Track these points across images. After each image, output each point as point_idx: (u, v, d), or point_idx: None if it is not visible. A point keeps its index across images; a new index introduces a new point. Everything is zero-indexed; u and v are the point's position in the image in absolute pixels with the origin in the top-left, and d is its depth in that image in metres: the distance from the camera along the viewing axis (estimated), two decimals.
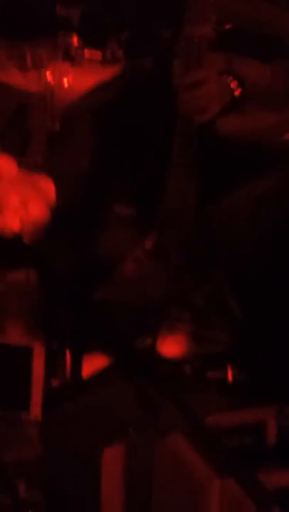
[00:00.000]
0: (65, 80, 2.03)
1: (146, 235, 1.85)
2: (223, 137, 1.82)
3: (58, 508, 1.90)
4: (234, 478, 1.48)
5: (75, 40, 2.05)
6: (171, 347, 1.71)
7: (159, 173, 1.81)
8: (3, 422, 2.10)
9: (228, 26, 1.73)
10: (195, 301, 1.78)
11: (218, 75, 1.66)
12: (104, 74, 1.99)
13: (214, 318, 1.77)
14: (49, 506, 2.02)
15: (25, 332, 2.18)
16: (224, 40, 1.70)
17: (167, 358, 1.69)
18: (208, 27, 1.64)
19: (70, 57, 2.02)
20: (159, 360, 1.60)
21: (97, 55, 2.05)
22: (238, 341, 1.71)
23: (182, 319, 1.75)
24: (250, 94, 1.74)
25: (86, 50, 2.04)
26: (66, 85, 2.05)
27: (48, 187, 1.84)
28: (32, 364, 2.09)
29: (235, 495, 1.52)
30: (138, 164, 1.89)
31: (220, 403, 1.69)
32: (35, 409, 2.07)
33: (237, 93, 1.70)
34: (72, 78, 2.04)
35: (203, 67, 1.62)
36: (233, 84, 1.69)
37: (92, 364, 2.09)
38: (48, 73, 2.05)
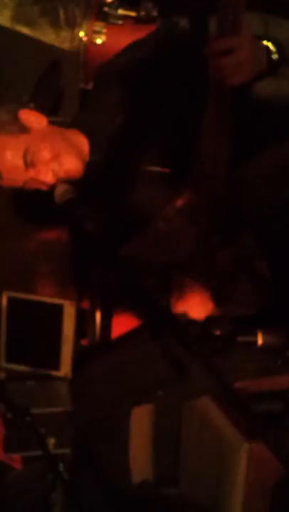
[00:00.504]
0: (99, 39, 2.01)
1: (177, 193, 1.84)
2: (258, 100, 1.80)
3: (87, 462, 1.94)
4: (262, 441, 1.50)
5: None
6: (195, 307, 1.72)
7: (193, 132, 1.80)
8: (34, 379, 2.13)
9: None
10: (223, 263, 1.78)
11: (254, 40, 1.62)
12: (138, 33, 1.97)
13: (242, 280, 1.77)
14: (78, 460, 2.07)
15: (56, 291, 2.20)
16: (261, 2, 1.66)
17: (194, 319, 1.70)
18: None
19: (104, 16, 1.99)
20: (187, 321, 1.60)
21: (132, 13, 2.02)
22: (267, 304, 1.71)
23: (210, 280, 1.75)
24: (287, 58, 1.71)
25: (120, 9, 2.01)
26: (99, 44, 2.02)
27: (81, 142, 1.83)
28: (62, 322, 2.12)
29: (262, 457, 1.55)
30: (171, 123, 1.87)
31: (249, 367, 1.70)
32: (65, 367, 2.10)
33: (274, 57, 1.67)
34: (105, 37, 2.01)
35: (237, 33, 1.57)
36: (270, 48, 1.66)
37: (122, 324, 2.11)
38: (81, 31, 2.02)
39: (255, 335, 1.30)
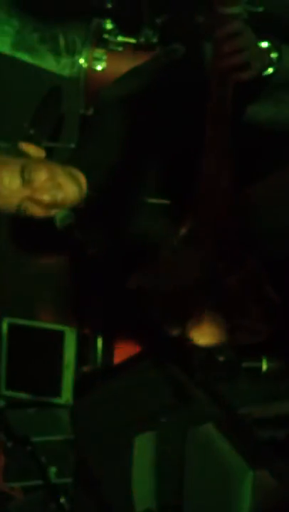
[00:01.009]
0: (99, 65, 2.02)
1: (180, 222, 1.84)
2: (257, 124, 1.80)
3: (89, 491, 1.92)
4: (267, 469, 1.48)
5: (108, 25, 2.03)
6: (205, 335, 1.71)
7: (193, 160, 1.80)
8: (35, 406, 2.12)
9: (259, 9, 1.71)
10: (231, 288, 1.77)
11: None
12: (138, 59, 1.98)
13: (250, 306, 1.76)
14: (80, 488, 2.04)
15: (58, 317, 2.19)
16: (255, 23, 1.67)
17: (201, 346, 1.69)
18: (240, 8, 1.61)
19: (104, 42, 2.00)
20: (192, 348, 1.59)
21: (132, 40, 2.03)
22: (275, 330, 1.70)
23: (217, 307, 1.74)
24: (284, 81, 1.71)
25: (120, 36, 2.02)
26: (99, 70, 2.03)
27: (79, 177, 1.83)
28: (63, 348, 2.11)
29: (268, 485, 1.53)
30: (171, 150, 1.87)
31: (253, 393, 1.69)
32: (66, 394, 2.09)
33: (274, 56, 1.67)
34: (105, 63, 2.02)
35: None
36: (269, 47, 1.66)
37: (124, 350, 2.10)
38: (81, 58, 2.03)
39: (260, 361, 1.28)
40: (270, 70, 1.69)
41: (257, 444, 1.61)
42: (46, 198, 1.70)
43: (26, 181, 1.70)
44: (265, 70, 1.69)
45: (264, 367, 1.28)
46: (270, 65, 1.69)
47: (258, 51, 1.65)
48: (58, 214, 1.65)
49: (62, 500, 1.98)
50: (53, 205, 1.70)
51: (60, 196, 1.71)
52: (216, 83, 1.68)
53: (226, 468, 1.56)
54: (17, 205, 1.73)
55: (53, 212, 1.69)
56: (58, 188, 1.71)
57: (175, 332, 1.78)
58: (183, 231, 1.84)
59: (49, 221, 1.75)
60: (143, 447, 1.78)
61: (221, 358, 1.25)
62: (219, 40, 1.57)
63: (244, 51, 1.58)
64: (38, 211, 1.72)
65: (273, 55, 1.68)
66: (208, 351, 1.26)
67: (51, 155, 1.90)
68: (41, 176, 1.71)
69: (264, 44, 1.69)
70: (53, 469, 2.04)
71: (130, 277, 1.78)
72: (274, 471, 1.15)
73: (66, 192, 1.73)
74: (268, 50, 1.68)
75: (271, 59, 1.68)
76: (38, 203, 1.71)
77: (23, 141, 1.81)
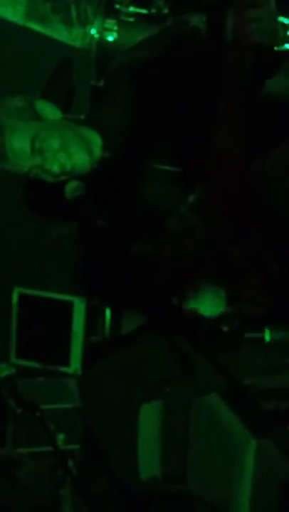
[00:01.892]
0: (110, 36, 2.01)
1: (190, 190, 1.84)
2: (271, 96, 1.79)
3: (96, 458, 1.94)
4: (270, 438, 1.50)
5: None
6: (208, 305, 1.72)
7: (206, 128, 1.79)
8: (44, 375, 2.14)
9: None
10: (235, 260, 1.77)
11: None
12: (149, 30, 1.96)
13: (253, 278, 1.76)
14: (87, 456, 2.07)
15: (67, 287, 2.20)
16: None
17: (205, 316, 1.70)
18: None
19: (115, 13, 1.99)
20: (196, 317, 1.60)
21: (143, 11, 2.01)
22: (278, 302, 1.71)
23: (222, 278, 1.75)
24: None
25: (131, 6, 2.01)
26: (110, 41, 2.02)
27: (93, 138, 1.83)
28: (72, 319, 2.13)
29: (270, 455, 1.55)
30: (184, 120, 1.87)
31: (257, 365, 1.70)
32: (75, 364, 2.11)
33: None
34: (116, 34, 2.01)
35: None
36: (286, 24, 1.67)
37: (131, 320, 2.11)
38: (92, 28, 2.02)
39: (263, 332, 1.29)
40: (287, 46, 1.70)
41: (260, 415, 1.62)
42: (56, 168, 1.70)
43: (37, 150, 1.70)
44: (282, 45, 1.69)
45: (267, 338, 1.29)
46: (285, 41, 1.69)
47: (278, 23, 1.65)
48: (68, 185, 1.66)
49: (70, 465, 2.01)
50: (63, 173, 1.71)
51: (70, 166, 1.72)
52: (236, 52, 1.67)
53: (230, 438, 1.58)
54: (27, 171, 1.74)
55: (62, 177, 1.69)
56: (68, 157, 1.71)
57: (179, 301, 1.79)
58: (191, 199, 1.84)
59: (60, 191, 1.76)
60: (148, 416, 1.80)
61: (225, 328, 1.26)
62: (245, 7, 1.57)
63: (266, 20, 1.58)
64: (47, 177, 1.73)
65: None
66: (213, 321, 1.27)
67: None
68: (53, 145, 1.71)
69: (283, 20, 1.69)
70: (61, 436, 2.07)
71: (138, 246, 1.79)
72: (277, 441, 1.16)
73: (77, 160, 1.73)
74: (285, 27, 1.69)
75: (287, 36, 1.69)
76: (48, 171, 1.72)
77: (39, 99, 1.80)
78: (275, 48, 1.68)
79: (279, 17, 1.68)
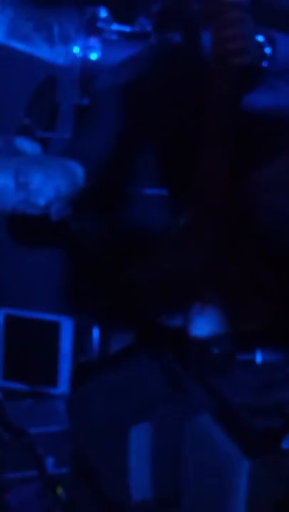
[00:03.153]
0: (93, 54, 2.00)
1: (179, 212, 1.83)
2: (254, 114, 1.80)
3: (85, 482, 1.93)
4: (262, 460, 1.49)
5: (102, 13, 2.01)
6: (203, 326, 1.71)
7: (191, 150, 1.79)
8: (31, 397, 2.12)
9: None
10: (231, 278, 1.77)
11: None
12: (132, 48, 1.96)
13: (250, 295, 1.76)
14: (77, 479, 2.05)
15: (54, 307, 2.19)
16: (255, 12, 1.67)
17: (197, 337, 1.69)
18: None
19: (98, 31, 1.99)
20: (188, 339, 1.59)
21: (126, 28, 2.01)
22: (274, 320, 1.70)
23: (217, 297, 1.74)
24: (281, 71, 1.71)
25: (114, 24, 2.01)
26: (94, 59, 2.02)
27: (75, 169, 1.83)
28: (60, 339, 2.11)
29: (263, 475, 1.53)
30: (168, 141, 1.86)
31: (248, 382, 1.69)
32: (63, 384, 2.10)
33: (268, 52, 1.69)
34: (99, 52, 2.01)
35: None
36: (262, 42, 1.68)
37: (120, 340, 2.10)
38: (75, 46, 2.02)
39: (254, 353, 1.28)
40: (264, 64, 1.71)
41: (253, 434, 1.61)
42: (42, 201, 1.70)
43: (21, 185, 1.69)
44: (260, 62, 1.70)
45: (259, 359, 1.28)
46: (263, 59, 1.69)
47: (255, 40, 1.66)
48: (52, 207, 1.64)
49: (59, 490, 1.99)
50: (48, 206, 1.70)
51: (55, 196, 1.71)
52: (215, 71, 1.68)
53: (222, 459, 1.57)
54: (12, 208, 1.73)
55: (48, 210, 1.69)
56: (53, 189, 1.71)
57: (174, 324, 1.78)
58: (182, 221, 1.84)
59: (43, 213, 1.74)
60: (139, 438, 1.79)
61: (217, 351, 1.25)
62: (223, 26, 1.57)
63: (245, 37, 1.59)
64: (34, 211, 1.72)
65: (267, 50, 1.69)
66: (204, 343, 1.26)
67: (46, 146, 1.90)
68: (37, 178, 1.70)
69: (258, 38, 1.69)
70: (50, 460, 2.05)
71: (128, 269, 1.78)
72: (268, 463, 1.15)
73: (62, 192, 1.73)
74: (261, 44, 1.69)
75: (265, 53, 1.69)
76: (34, 205, 1.71)
77: (17, 134, 1.81)
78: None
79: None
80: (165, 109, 1.87)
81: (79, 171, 1.84)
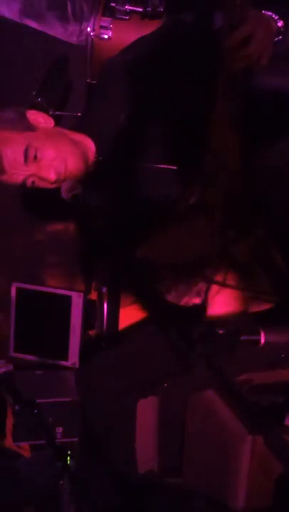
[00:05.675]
0: (105, 34, 2.01)
1: (189, 190, 1.84)
2: (264, 94, 1.80)
3: (94, 452, 1.97)
4: (264, 436, 1.53)
5: None
6: (220, 304, 1.72)
7: (202, 128, 1.80)
8: (42, 369, 2.16)
9: None
10: (239, 256, 1.77)
11: (261, 14, 1.63)
12: (144, 28, 1.97)
13: (259, 273, 1.76)
14: (85, 449, 2.10)
15: (65, 282, 2.22)
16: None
17: (207, 316, 1.71)
18: None
19: (111, 11, 1.99)
20: (194, 317, 1.62)
21: (138, 8, 2.01)
22: (284, 297, 1.71)
23: (227, 275, 1.75)
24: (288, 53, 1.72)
25: (127, 4, 2.01)
26: (106, 39, 2.02)
27: (87, 143, 1.84)
28: (70, 313, 2.14)
29: (265, 449, 1.57)
30: (179, 118, 1.87)
31: (253, 360, 1.72)
32: (73, 357, 2.13)
33: (280, 25, 1.68)
34: (112, 32, 2.01)
35: (246, 20, 1.59)
36: (275, 17, 1.67)
37: (129, 316, 2.13)
38: (88, 26, 2.02)
39: (258, 334, 1.31)
40: (279, 38, 1.70)
41: (256, 410, 1.65)
42: (52, 176, 1.72)
43: (32, 159, 1.72)
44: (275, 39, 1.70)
45: (262, 340, 1.31)
46: (277, 33, 1.69)
47: (268, 28, 1.66)
48: (64, 185, 1.66)
49: (68, 459, 2.04)
50: (59, 179, 1.73)
51: (65, 172, 1.73)
52: (226, 55, 1.68)
53: (226, 433, 1.61)
54: (23, 181, 1.75)
55: (59, 184, 1.71)
56: (63, 163, 1.73)
57: (181, 302, 1.80)
58: (192, 200, 1.84)
59: (56, 191, 1.77)
60: (146, 411, 1.83)
61: (220, 331, 1.28)
62: (232, 47, 1.58)
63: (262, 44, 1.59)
64: (44, 184, 1.75)
65: (280, 23, 1.69)
66: (208, 324, 1.29)
67: (58, 123, 1.92)
68: (48, 154, 1.72)
69: (271, 14, 1.69)
70: (59, 429, 2.10)
71: (138, 248, 1.80)
72: (269, 441, 1.19)
73: (72, 167, 1.75)
74: (275, 20, 1.69)
75: (279, 28, 1.69)
76: (44, 179, 1.73)
77: (30, 109, 1.82)
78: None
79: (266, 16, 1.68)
80: (176, 86, 1.87)
81: (90, 144, 1.86)
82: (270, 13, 1.69)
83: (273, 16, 1.69)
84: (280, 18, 1.68)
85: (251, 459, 1.58)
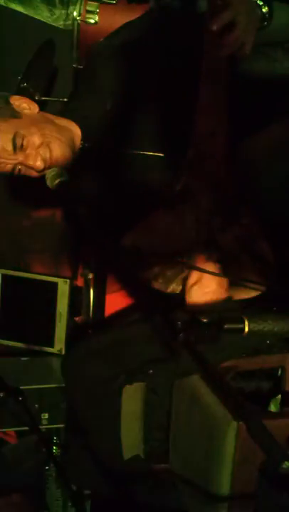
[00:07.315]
0: (92, 18, 2.00)
1: (175, 177, 1.84)
2: (252, 81, 1.80)
3: (79, 438, 1.97)
4: (250, 420, 1.53)
5: None
6: (204, 293, 1.72)
7: (189, 115, 1.79)
8: (27, 355, 2.16)
9: None
10: (226, 244, 1.77)
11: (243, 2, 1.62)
12: (131, 13, 1.95)
13: (245, 260, 1.76)
14: (71, 435, 2.11)
15: (51, 268, 2.21)
16: None
17: (190, 304, 1.71)
18: None
19: None
20: (176, 309, 1.62)
21: None
22: (270, 285, 1.71)
23: (213, 263, 1.75)
24: (273, 39, 1.71)
25: None
26: (92, 23, 2.01)
27: (73, 129, 1.83)
28: (56, 300, 2.14)
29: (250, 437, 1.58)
30: (165, 104, 1.86)
31: (238, 346, 1.72)
32: (59, 344, 2.13)
33: (265, 10, 1.67)
34: (98, 16, 2.00)
35: (229, 6, 1.58)
36: (258, 3, 1.66)
37: (115, 302, 2.13)
38: (75, 10, 2.01)
39: (242, 322, 1.31)
40: (263, 24, 1.69)
41: (241, 397, 1.66)
42: (39, 164, 1.71)
43: (19, 148, 1.71)
44: (260, 25, 1.69)
45: (246, 328, 1.31)
46: (262, 20, 1.69)
47: (252, 13, 1.65)
48: (48, 173, 1.65)
49: (54, 446, 2.05)
50: (46, 167, 1.72)
51: (51, 158, 1.72)
52: (210, 41, 1.67)
53: (211, 419, 1.61)
54: (10, 169, 1.75)
55: (45, 171, 1.70)
56: (50, 151, 1.72)
57: (168, 290, 1.80)
58: (178, 187, 1.84)
59: (41, 178, 1.76)
60: (131, 397, 1.84)
61: (204, 319, 1.28)
62: (216, 33, 1.56)
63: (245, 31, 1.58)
64: (31, 172, 1.74)
65: (264, 9, 1.68)
66: (192, 313, 1.28)
67: (44, 108, 1.90)
68: (34, 141, 1.71)
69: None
70: (45, 415, 2.11)
71: (124, 235, 1.79)
72: (251, 428, 1.19)
73: (58, 154, 1.74)
74: (259, 6, 1.68)
75: (263, 13, 1.68)
76: (31, 167, 1.73)
77: (16, 95, 1.80)
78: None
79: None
80: (162, 72, 1.86)
81: (76, 130, 1.85)
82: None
83: (258, 1, 1.67)
84: (265, 4, 1.67)
85: (236, 445, 1.58)
